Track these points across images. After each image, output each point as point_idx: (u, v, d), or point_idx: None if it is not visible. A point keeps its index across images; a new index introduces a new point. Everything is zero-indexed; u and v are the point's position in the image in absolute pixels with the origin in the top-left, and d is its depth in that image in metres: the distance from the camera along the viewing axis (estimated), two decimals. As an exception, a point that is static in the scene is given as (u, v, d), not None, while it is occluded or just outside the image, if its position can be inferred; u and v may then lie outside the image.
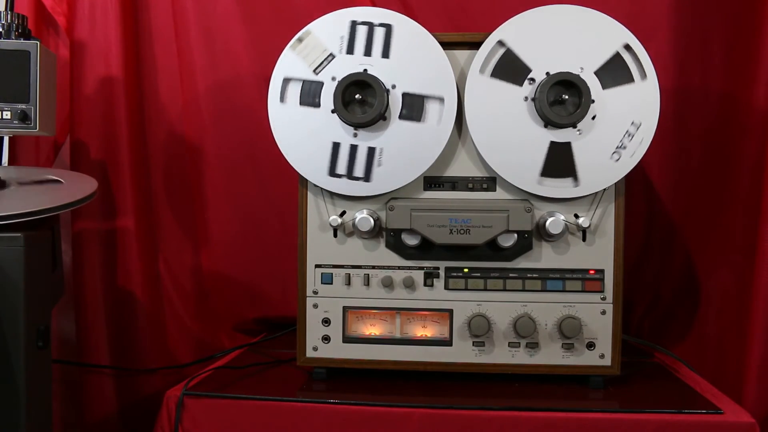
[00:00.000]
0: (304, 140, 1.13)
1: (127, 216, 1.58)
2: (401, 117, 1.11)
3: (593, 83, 1.08)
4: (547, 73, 1.09)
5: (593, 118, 1.09)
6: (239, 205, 1.63)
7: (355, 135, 1.12)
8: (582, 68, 1.09)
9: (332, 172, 1.13)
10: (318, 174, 1.13)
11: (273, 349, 1.39)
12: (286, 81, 1.13)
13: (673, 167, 1.53)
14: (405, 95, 1.11)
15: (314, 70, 1.12)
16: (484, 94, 1.10)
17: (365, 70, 1.11)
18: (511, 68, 1.10)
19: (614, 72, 1.09)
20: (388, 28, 1.11)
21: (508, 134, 1.10)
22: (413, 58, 1.11)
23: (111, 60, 1.56)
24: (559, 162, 1.10)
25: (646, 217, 1.56)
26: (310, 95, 1.12)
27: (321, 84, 1.12)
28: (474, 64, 1.10)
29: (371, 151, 1.12)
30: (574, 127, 1.09)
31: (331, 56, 1.12)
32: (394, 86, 1.11)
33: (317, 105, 1.12)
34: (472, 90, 1.10)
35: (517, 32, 1.10)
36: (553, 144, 1.10)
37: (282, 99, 1.13)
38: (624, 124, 1.09)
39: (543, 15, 1.10)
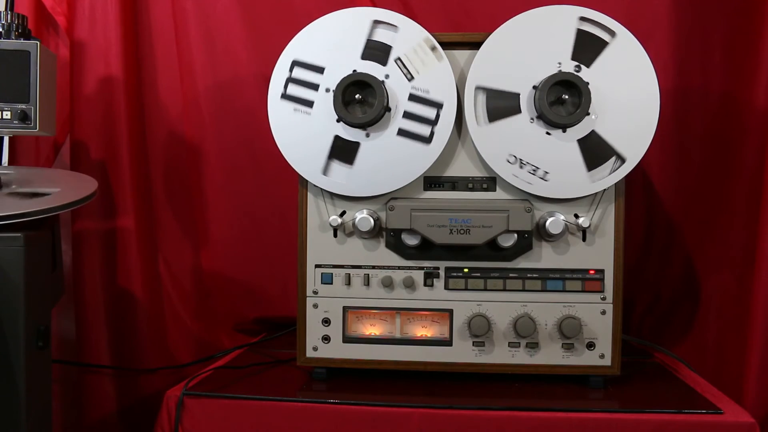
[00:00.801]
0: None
1: (127, 216, 1.58)
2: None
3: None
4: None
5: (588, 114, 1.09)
6: (239, 205, 1.63)
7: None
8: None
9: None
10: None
11: (273, 349, 1.39)
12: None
13: (673, 167, 1.53)
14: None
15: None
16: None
17: (354, 70, 1.11)
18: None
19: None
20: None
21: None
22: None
23: (111, 60, 1.56)
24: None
25: (646, 217, 1.56)
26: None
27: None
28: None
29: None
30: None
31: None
32: (387, 76, 1.11)
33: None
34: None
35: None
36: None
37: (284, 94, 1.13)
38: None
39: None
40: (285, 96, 1.13)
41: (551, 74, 1.08)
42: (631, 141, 1.09)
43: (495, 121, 1.10)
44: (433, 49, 1.11)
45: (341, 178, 1.12)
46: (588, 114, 1.08)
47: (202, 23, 1.59)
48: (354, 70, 1.11)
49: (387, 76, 1.11)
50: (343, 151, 1.12)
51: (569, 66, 1.09)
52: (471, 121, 1.10)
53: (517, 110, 1.10)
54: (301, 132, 1.13)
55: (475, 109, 1.10)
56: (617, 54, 1.09)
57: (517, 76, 1.10)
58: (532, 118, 1.10)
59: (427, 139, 1.11)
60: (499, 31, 1.11)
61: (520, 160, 1.10)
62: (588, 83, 1.07)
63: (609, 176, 1.10)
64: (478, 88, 1.10)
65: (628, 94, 1.09)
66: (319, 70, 1.12)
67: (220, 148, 1.62)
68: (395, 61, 1.11)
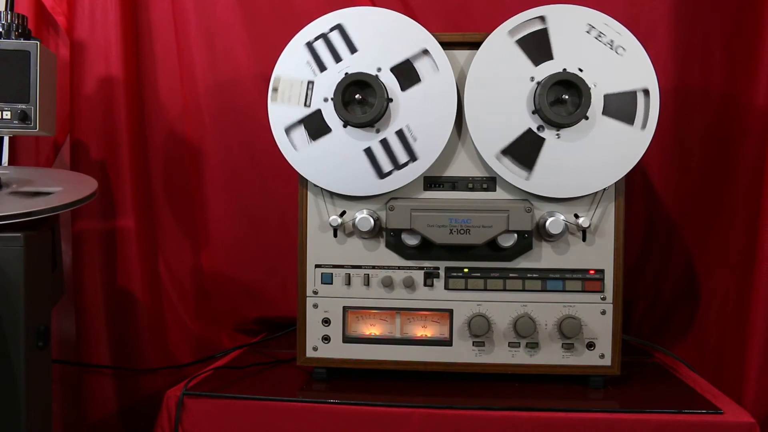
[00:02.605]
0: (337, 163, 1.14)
1: (127, 216, 1.58)
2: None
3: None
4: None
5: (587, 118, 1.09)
6: (239, 205, 1.63)
7: (378, 131, 1.12)
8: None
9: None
10: (279, 123, 1.13)
11: (273, 349, 1.39)
12: (288, 130, 1.13)
13: (673, 167, 1.53)
14: (393, 69, 1.11)
15: (305, 104, 1.12)
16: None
17: (346, 73, 1.11)
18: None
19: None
20: (339, 28, 1.12)
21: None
22: (381, 37, 1.11)
23: (111, 60, 1.56)
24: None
25: (646, 217, 1.57)
26: (315, 127, 1.13)
27: (318, 111, 1.12)
28: (506, 24, 1.10)
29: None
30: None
31: (310, 83, 1.12)
32: (380, 69, 1.11)
33: (329, 130, 1.12)
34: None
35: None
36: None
37: (295, 147, 1.13)
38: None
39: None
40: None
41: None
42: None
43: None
44: None
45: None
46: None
47: (202, 23, 1.59)
48: (378, 68, 1.11)
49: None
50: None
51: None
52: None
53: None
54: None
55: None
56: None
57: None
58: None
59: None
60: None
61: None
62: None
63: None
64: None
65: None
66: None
67: (220, 148, 1.62)
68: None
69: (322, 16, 1.13)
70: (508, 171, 1.11)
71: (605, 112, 1.09)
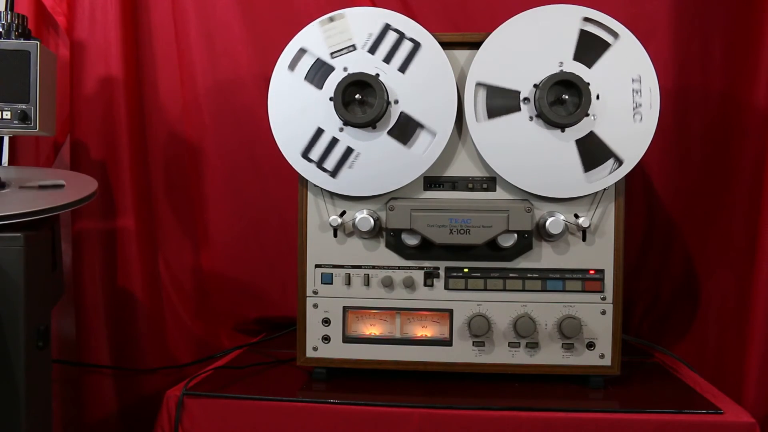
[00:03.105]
0: (293, 114, 1.13)
1: (127, 216, 1.58)
2: (390, 133, 1.12)
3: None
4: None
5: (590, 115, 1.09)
6: (239, 205, 1.63)
7: (341, 130, 1.12)
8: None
9: (305, 154, 1.13)
10: (292, 151, 1.13)
11: (273, 349, 1.39)
12: (302, 52, 1.13)
13: (673, 167, 1.53)
14: (402, 115, 1.11)
15: (331, 54, 1.12)
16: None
17: (377, 74, 1.11)
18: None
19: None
20: (416, 45, 1.11)
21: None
22: (426, 85, 1.11)
23: (111, 60, 1.56)
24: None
25: (646, 217, 1.56)
26: (317, 75, 1.12)
27: (331, 69, 1.12)
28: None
29: (348, 151, 1.12)
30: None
31: (353, 47, 1.12)
32: (396, 101, 1.11)
33: (320, 87, 1.12)
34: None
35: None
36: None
37: (291, 67, 1.13)
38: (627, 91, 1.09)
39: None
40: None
41: (552, 73, 1.08)
42: (629, 143, 1.09)
43: (494, 118, 1.10)
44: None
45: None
46: (587, 115, 1.08)
47: (202, 23, 1.59)
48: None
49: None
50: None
51: (570, 66, 1.09)
52: (470, 118, 1.10)
53: (517, 108, 1.10)
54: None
55: (475, 106, 1.10)
56: (619, 56, 1.09)
57: (517, 74, 1.10)
58: (531, 117, 1.10)
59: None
60: (501, 28, 1.10)
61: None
62: (589, 84, 1.07)
63: (606, 177, 1.10)
64: (478, 84, 1.10)
65: (629, 97, 1.09)
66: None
67: (220, 148, 1.62)
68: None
69: (417, 24, 1.12)
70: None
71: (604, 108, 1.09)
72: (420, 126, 1.11)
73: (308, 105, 1.12)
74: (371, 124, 1.11)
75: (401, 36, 1.11)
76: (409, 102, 1.11)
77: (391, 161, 1.12)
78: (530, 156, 1.10)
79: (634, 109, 1.09)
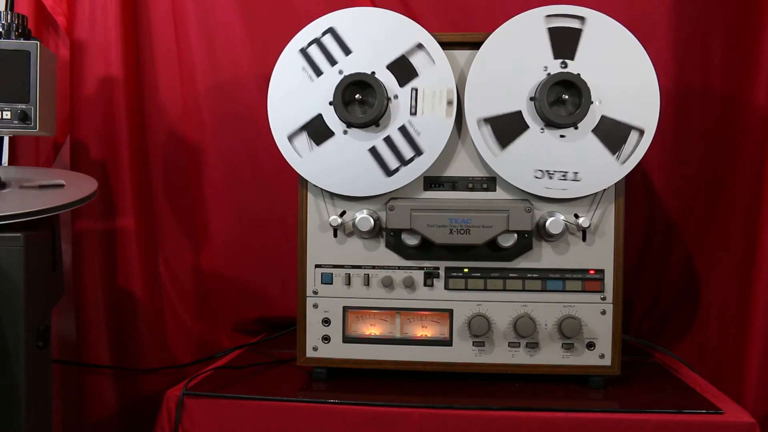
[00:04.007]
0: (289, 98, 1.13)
1: (127, 216, 1.58)
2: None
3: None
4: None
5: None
6: (239, 205, 1.63)
7: (345, 132, 1.12)
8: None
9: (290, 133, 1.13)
10: (281, 131, 1.13)
11: (273, 349, 1.39)
12: (291, 138, 1.13)
13: (673, 167, 1.53)
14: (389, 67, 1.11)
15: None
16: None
17: (373, 72, 1.11)
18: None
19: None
20: (331, 31, 1.12)
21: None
22: (375, 36, 1.11)
23: (111, 60, 1.56)
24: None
25: (646, 217, 1.56)
26: (317, 132, 1.13)
27: (319, 116, 1.13)
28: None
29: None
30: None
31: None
32: (396, 96, 1.11)
33: (331, 133, 1.13)
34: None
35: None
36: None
37: (299, 154, 1.13)
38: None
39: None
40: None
41: (544, 81, 1.07)
42: (640, 112, 1.09)
43: (507, 145, 1.10)
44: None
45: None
46: (592, 102, 1.08)
47: (202, 23, 1.59)
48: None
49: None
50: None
51: (555, 66, 1.09)
52: (486, 154, 1.11)
53: (525, 126, 1.10)
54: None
55: (485, 142, 1.11)
56: (594, 36, 1.09)
57: (510, 93, 1.10)
58: (542, 129, 1.10)
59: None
60: (478, 55, 1.10)
61: (547, 171, 1.10)
62: (579, 74, 1.07)
63: (635, 152, 1.09)
64: (480, 121, 1.11)
65: (620, 69, 1.09)
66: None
67: (220, 148, 1.62)
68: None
69: (313, 22, 1.13)
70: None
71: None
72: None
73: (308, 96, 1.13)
74: (374, 123, 1.11)
75: (317, 41, 1.13)
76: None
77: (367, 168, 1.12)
78: (557, 164, 1.10)
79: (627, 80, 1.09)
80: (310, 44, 1.13)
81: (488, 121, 1.11)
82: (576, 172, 1.10)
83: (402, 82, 1.11)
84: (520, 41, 1.10)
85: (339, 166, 1.13)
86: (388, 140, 1.12)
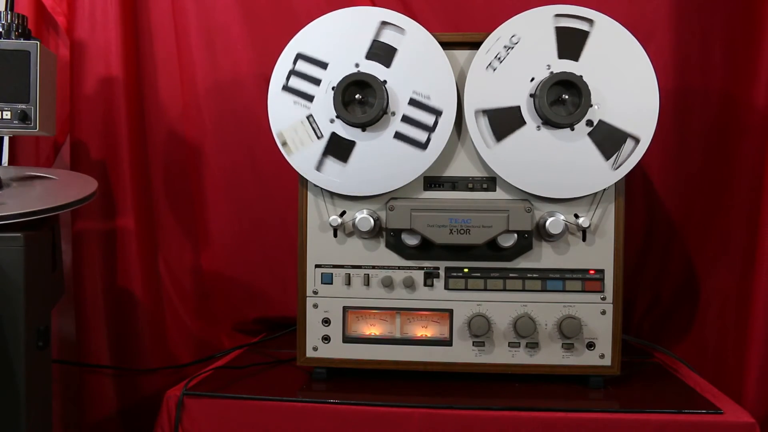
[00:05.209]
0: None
1: (127, 216, 1.58)
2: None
3: (566, 65, 1.09)
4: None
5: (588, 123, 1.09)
6: (239, 205, 1.63)
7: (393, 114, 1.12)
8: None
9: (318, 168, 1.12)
10: (305, 167, 1.13)
11: (273, 349, 1.39)
12: (320, 168, 1.13)
13: (673, 167, 1.53)
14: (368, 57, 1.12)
15: (317, 137, 1.13)
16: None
17: (333, 88, 1.11)
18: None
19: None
20: (300, 56, 1.12)
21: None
22: (417, 67, 1.12)
23: (111, 60, 1.56)
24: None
25: (646, 217, 1.56)
26: (340, 150, 1.12)
27: (333, 134, 1.12)
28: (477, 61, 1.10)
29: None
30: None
31: (309, 117, 1.12)
32: (357, 65, 1.11)
33: (354, 144, 1.12)
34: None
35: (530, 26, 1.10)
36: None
37: (335, 178, 1.13)
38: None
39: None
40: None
41: (546, 78, 1.08)
42: (639, 120, 1.09)
43: (502, 139, 1.10)
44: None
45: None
46: (591, 106, 1.08)
47: (202, 23, 1.59)
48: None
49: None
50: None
51: (559, 65, 1.09)
52: (480, 146, 1.11)
53: (522, 122, 1.10)
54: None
55: (480, 134, 1.11)
56: (601, 40, 1.09)
57: (511, 88, 1.10)
58: (538, 126, 1.10)
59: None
60: (485, 44, 1.10)
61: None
62: (582, 76, 1.07)
63: (629, 159, 1.09)
64: (478, 112, 1.11)
65: (623, 76, 1.09)
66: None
67: (220, 149, 1.62)
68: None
69: (279, 58, 1.13)
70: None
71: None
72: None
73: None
74: (375, 121, 1.11)
75: (293, 72, 1.13)
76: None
77: (400, 154, 1.12)
78: (549, 164, 1.10)
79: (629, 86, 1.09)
80: (288, 78, 1.13)
81: (486, 113, 1.10)
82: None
83: (387, 63, 1.11)
84: (526, 37, 1.10)
85: (378, 166, 1.12)
86: (405, 118, 1.11)
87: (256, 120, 1.57)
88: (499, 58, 1.10)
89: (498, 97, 1.10)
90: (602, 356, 1.13)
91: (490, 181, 1.14)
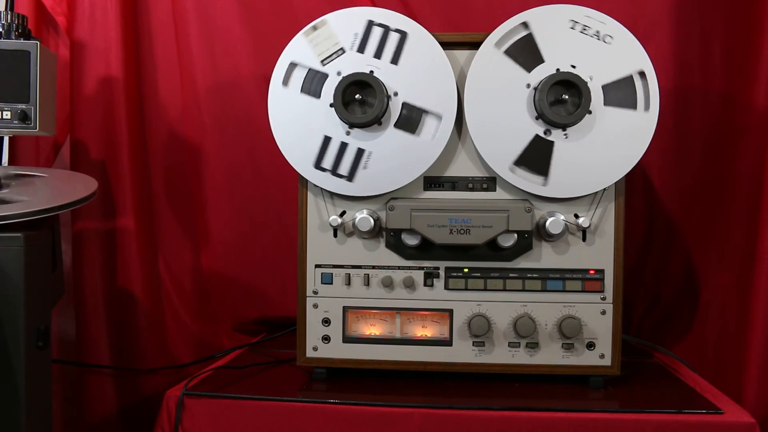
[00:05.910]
0: (297, 128, 1.13)
1: (127, 216, 1.58)
2: (396, 125, 1.11)
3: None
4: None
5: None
6: (239, 205, 1.63)
7: (348, 133, 1.12)
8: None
9: (318, 164, 1.13)
10: (304, 164, 1.13)
11: (273, 349, 1.39)
12: (293, 65, 1.13)
13: (673, 167, 1.53)
14: (405, 105, 1.11)
15: (322, 61, 1.12)
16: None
17: (371, 71, 1.11)
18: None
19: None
20: (403, 35, 1.11)
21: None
22: (421, 71, 1.11)
23: (111, 60, 1.56)
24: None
25: (646, 217, 1.56)
26: (312, 84, 1.12)
27: (326, 76, 1.12)
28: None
29: (360, 153, 1.12)
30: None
31: (342, 51, 1.12)
32: (396, 93, 1.11)
33: (318, 95, 1.12)
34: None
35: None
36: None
37: (285, 83, 1.13)
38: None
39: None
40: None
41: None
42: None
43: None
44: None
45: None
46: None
47: (202, 23, 1.59)
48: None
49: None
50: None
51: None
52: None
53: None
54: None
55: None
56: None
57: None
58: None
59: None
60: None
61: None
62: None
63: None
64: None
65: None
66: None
67: (220, 148, 1.62)
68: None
69: (399, 15, 1.12)
70: (525, 181, 1.11)
71: (607, 103, 1.09)
72: (424, 112, 1.11)
73: (310, 116, 1.12)
74: (376, 122, 1.11)
75: (386, 29, 1.11)
76: (408, 91, 1.11)
77: (404, 151, 1.12)
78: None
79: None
80: (378, 25, 1.12)
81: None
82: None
83: (387, 63, 1.12)
84: (494, 73, 1.10)
85: (378, 166, 1.12)
86: (405, 118, 1.11)
87: (256, 120, 1.57)
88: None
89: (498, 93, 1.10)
90: (602, 356, 1.13)
91: (490, 181, 1.14)
